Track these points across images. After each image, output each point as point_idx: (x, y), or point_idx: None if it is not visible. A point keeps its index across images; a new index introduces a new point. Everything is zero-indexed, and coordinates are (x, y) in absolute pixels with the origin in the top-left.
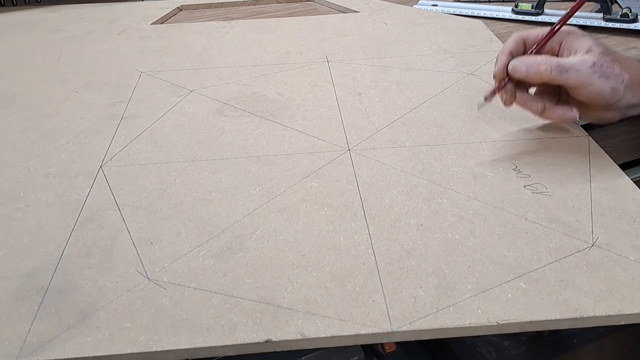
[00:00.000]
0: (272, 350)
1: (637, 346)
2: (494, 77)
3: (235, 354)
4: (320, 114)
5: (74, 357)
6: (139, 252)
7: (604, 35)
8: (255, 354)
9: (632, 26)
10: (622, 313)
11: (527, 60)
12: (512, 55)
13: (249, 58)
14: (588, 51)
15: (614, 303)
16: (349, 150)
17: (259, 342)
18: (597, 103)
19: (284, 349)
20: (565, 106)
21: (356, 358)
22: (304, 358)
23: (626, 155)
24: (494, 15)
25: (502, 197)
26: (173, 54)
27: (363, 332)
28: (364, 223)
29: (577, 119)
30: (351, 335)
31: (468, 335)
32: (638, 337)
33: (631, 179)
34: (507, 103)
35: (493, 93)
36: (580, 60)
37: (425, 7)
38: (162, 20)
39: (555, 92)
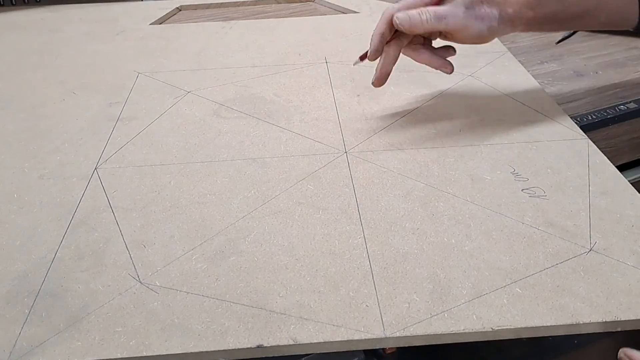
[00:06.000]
0: (263, 356)
1: (638, 347)
2: (368, 58)
3: None
4: (317, 115)
5: None
6: (131, 255)
7: (604, 35)
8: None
9: None
10: (619, 319)
11: (409, 13)
12: (385, 38)
13: (247, 59)
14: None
15: (611, 309)
16: (345, 152)
17: (251, 348)
18: (474, 42)
19: (276, 355)
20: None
21: (356, 359)
22: (304, 358)
23: (627, 155)
24: None
25: (499, 201)
26: (171, 55)
27: (356, 337)
28: (359, 227)
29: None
30: (344, 341)
31: (462, 341)
32: (639, 338)
33: (632, 179)
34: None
35: (363, 57)
36: (453, 6)
37: None
38: (161, 21)
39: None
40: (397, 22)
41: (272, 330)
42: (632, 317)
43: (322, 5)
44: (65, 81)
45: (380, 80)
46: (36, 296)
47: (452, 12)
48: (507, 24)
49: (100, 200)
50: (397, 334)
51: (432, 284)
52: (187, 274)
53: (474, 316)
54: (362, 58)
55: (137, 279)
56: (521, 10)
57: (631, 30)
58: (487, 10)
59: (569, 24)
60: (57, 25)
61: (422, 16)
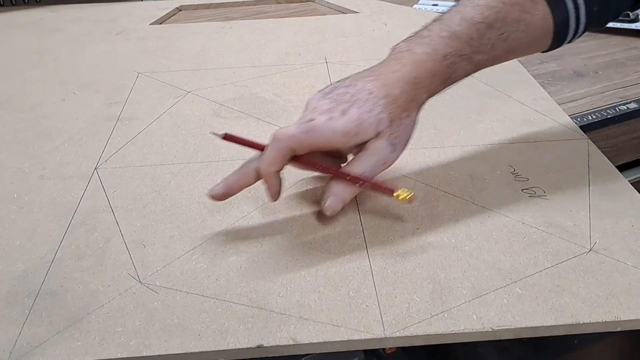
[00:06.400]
0: (263, 356)
1: (639, 347)
2: (272, 199)
3: None
4: None
5: None
6: (131, 255)
7: (605, 35)
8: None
9: (632, 26)
10: (619, 319)
11: (338, 193)
12: (281, 170)
13: (247, 59)
14: (377, 136)
15: (611, 309)
16: None
17: (251, 348)
18: None
19: (276, 355)
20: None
21: (356, 359)
22: (304, 358)
23: (627, 156)
24: None
25: (499, 201)
26: (171, 55)
27: (356, 337)
28: (359, 227)
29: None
30: (343, 341)
31: (462, 341)
32: (639, 338)
33: (632, 179)
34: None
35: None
36: (378, 157)
37: (426, 7)
38: (161, 21)
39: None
40: (328, 212)
41: (272, 330)
42: (632, 317)
43: (322, 5)
44: (65, 81)
45: (226, 197)
46: (36, 296)
47: (379, 163)
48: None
49: (100, 200)
50: (397, 334)
51: (432, 284)
52: (187, 274)
53: (474, 316)
54: (225, 137)
55: (137, 279)
56: (434, 89)
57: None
58: (406, 123)
59: (479, 71)
60: (57, 25)
61: (351, 189)
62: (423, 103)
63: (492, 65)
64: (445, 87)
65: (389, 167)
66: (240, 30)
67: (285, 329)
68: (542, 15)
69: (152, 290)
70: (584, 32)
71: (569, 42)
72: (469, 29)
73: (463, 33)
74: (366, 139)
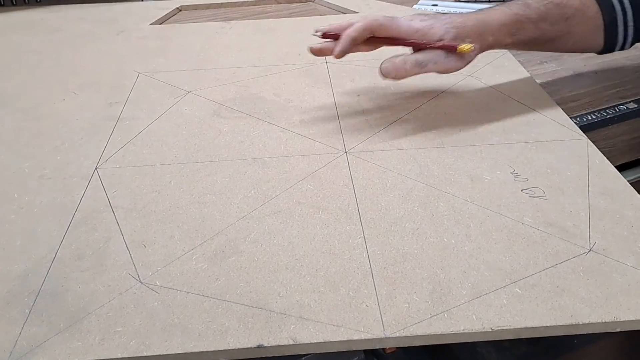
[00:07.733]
0: (263, 356)
1: (638, 347)
2: (333, 56)
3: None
4: (317, 115)
5: None
6: (131, 255)
7: None
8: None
9: None
10: (618, 320)
11: (394, 62)
12: (355, 42)
13: (247, 59)
14: (440, 40)
15: (610, 310)
16: (345, 152)
17: (251, 348)
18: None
19: (276, 355)
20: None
21: (356, 358)
22: (303, 358)
23: (627, 155)
24: None
25: (499, 201)
26: (171, 55)
27: (355, 337)
28: (359, 227)
29: None
30: (343, 341)
31: (462, 341)
32: (639, 338)
33: (632, 179)
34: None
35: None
36: (434, 53)
37: (426, 7)
38: (161, 21)
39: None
40: (383, 72)
41: (272, 330)
42: (632, 318)
43: (322, 5)
44: (65, 81)
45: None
46: (36, 296)
47: (432, 59)
48: (485, 50)
49: (101, 200)
50: (397, 334)
51: (432, 284)
52: (188, 274)
53: (474, 316)
54: (323, 36)
55: (138, 278)
56: (501, 37)
57: (596, 53)
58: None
59: (541, 47)
60: (58, 25)
61: (406, 65)
62: (489, 45)
63: (550, 46)
64: (512, 42)
65: (430, 70)
66: (240, 30)
67: (285, 329)
68: (594, 11)
69: (152, 290)
70: (635, 38)
71: (621, 48)
72: (538, 2)
73: (533, 5)
74: (432, 39)
